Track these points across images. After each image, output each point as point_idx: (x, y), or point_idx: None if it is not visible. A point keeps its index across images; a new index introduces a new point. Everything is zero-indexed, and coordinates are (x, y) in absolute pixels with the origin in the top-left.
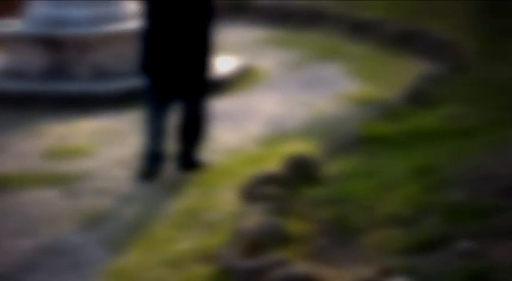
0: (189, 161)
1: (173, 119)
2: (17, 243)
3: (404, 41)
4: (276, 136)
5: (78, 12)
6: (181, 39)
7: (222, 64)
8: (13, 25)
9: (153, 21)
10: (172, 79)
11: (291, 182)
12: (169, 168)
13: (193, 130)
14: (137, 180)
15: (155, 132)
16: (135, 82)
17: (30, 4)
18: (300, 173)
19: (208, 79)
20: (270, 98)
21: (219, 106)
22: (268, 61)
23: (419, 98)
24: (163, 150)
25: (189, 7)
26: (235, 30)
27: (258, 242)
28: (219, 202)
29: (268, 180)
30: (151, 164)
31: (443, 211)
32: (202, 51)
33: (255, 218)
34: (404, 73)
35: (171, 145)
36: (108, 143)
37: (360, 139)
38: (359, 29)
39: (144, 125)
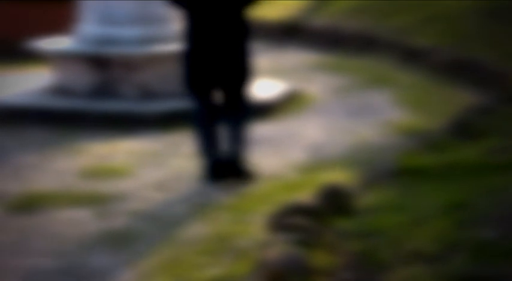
0: (240, 172)
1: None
2: (41, 263)
3: (455, 70)
4: (315, 164)
5: (126, 31)
6: (219, 57)
7: (269, 88)
8: (62, 42)
9: (193, 42)
10: (214, 91)
11: (321, 213)
12: (203, 191)
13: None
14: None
15: (209, 145)
16: (180, 103)
17: (79, 22)
18: (332, 203)
19: (247, 97)
20: (314, 124)
21: (261, 131)
22: (316, 86)
23: (463, 129)
24: (222, 159)
25: (226, 29)
26: (286, 53)
27: (281, 274)
28: (250, 229)
29: (298, 209)
30: (215, 176)
31: (473, 249)
32: (239, 68)
33: (279, 248)
34: (452, 103)
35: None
36: (146, 165)
37: (399, 170)
38: (410, 57)
39: (197, 141)
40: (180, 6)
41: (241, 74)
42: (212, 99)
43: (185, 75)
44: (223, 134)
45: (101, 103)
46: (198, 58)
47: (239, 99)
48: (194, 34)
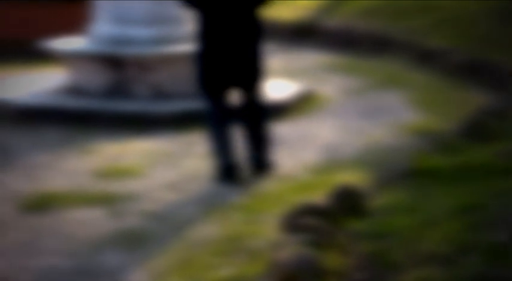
0: (260, 163)
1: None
2: (54, 262)
3: (470, 72)
4: (329, 164)
5: (140, 31)
6: (232, 57)
7: (282, 89)
8: (76, 42)
9: (206, 43)
10: (227, 91)
11: (334, 214)
12: (216, 191)
13: (260, 133)
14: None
15: (222, 146)
16: (193, 104)
17: (93, 22)
18: (345, 204)
19: (262, 97)
20: (328, 125)
21: (275, 131)
22: (330, 87)
23: (476, 131)
24: (236, 160)
25: (239, 29)
26: (299, 54)
27: (293, 275)
28: (262, 230)
29: (311, 210)
30: (228, 177)
31: (485, 252)
32: (252, 68)
33: (291, 249)
34: (465, 105)
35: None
36: (159, 165)
37: (411, 171)
38: (425, 58)
39: (210, 142)
40: (194, 7)
41: (253, 74)
42: (225, 100)
43: (198, 76)
44: (239, 135)
45: (114, 103)
46: (211, 59)
47: (255, 100)
48: (207, 35)
